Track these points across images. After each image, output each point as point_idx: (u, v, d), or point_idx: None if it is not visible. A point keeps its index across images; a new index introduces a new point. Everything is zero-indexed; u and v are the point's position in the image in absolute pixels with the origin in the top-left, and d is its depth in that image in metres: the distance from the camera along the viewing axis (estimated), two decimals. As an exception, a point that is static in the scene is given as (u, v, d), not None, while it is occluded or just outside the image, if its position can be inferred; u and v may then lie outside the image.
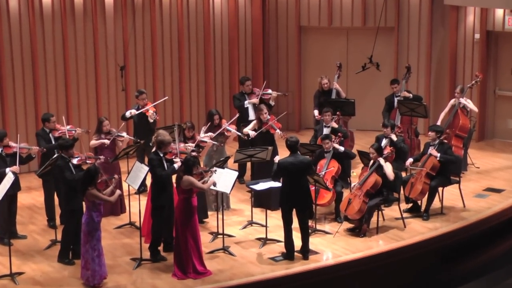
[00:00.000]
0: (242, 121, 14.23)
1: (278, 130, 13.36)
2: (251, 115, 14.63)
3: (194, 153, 11.95)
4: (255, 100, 14.59)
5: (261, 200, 12.90)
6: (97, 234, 10.26)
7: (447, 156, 12.67)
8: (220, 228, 11.79)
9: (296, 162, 11.03)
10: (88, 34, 15.61)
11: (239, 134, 13.49)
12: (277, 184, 11.52)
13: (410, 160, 12.91)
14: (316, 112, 15.18)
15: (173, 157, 11.58)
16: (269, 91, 14.83)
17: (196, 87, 17.18)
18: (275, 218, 12.32)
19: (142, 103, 14.03)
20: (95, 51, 15.71)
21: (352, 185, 12.47)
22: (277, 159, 11.52)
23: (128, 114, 14.02)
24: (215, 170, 11.27)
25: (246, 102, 14.67)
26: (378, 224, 12.20)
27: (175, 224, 10.74)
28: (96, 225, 10.24)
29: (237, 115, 14.29)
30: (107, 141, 12.60)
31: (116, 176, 10.86)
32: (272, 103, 14.61)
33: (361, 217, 12.04)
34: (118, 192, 10.68)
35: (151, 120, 13.88)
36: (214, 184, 11.23)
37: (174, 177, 11.14)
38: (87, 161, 11.54)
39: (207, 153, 12.89)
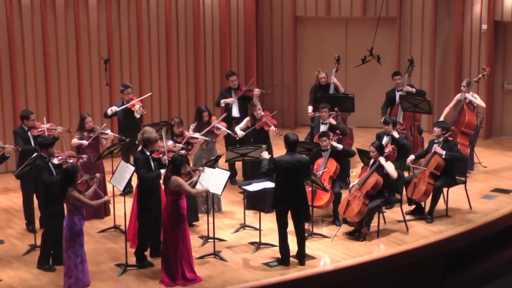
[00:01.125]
0: (227, 118, 14.21)
1: (273, 127, 13.36)
2: (234, 112, 14.66)
3: (183, 151, 11.95)
4: (231, 100, 14.57)
5: (254, 202, 12.90)
6: (80, 239, 10.24)
7: (453, 153, 12.68)
8: (210, 231, 11.79)
9: (293, 161, 11.03)
10: (70, 24, 15.58)
11: (229, 132, 13.48)
12: (271, 184, 11.51)
13: (412, 157, 12.90)
14: (310, 108, 15.17)
15: (161, 155, 11.58)
16: (254, 88, 14.82)
17: (185, 82, 17.17)
18: (269, 221, 12.32)
19: (127, 98, 14.02)
20: (77, 43, 15.68)
21: (351, 185, 12.47)
22: (265, 154, 11.46)
23: (109, 111, 14.00)
24: (203, 169, 11.26)
25: (221, 101, 14.69)
26: (379, 227, 12.21)
27: (163, 228, 10.73)
28: (79, 229, 10.22)
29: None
30: (85, 142, 12.56)
31: (98, 175, 10.83)
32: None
33: (361, 219, 12.05)
34: (105, 198, 10.66)
35: (138, 116, 13.87)
36: (207, 192, 11.24)
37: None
38: (69, 161, 11.51)
39: (196, 152, 12.87)
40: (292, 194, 11.04)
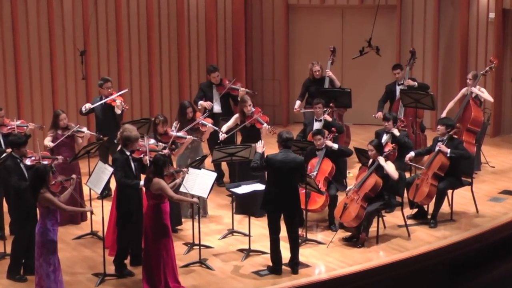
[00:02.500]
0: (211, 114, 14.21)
1: (265, 124, 13.28)
2: (216, 107, 14.59)
3: (166, 151, 11.93)
4: (208, 104, 14.42)
5: (243, 206, 12.90)
6: (53, 246, 10.21)
7: (458, 151, 12.68)
8: (196, 238, 11.79)
9: (287, 161, 11.01)
10: (42, 13, 15.53)
11: (216, 129, 13.45)
12: (262, 186, 11.51)
13: (411, 154, 12.87)
14: (297, 103, 15.15)
15: (142, 155, 11.55)
16: (238, 85, 14.76)
17: (168, 75, 17.15)
18: (260, 226, 12.33)
19: (106, 92, 13.94)
20: (50, 33, 15.63)
21: (348, 187, 12.49)
22: (259, 147, 11.40)
23: (83, 109, 13.94)
24: (187, 171, 11.26)
25: (199, 103, 14.53)
26: (378, 232, 12.23)
27: (145, 234, 10.73)
28: (52, 235, 10.19)
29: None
30: (50, 144, 12.46)
31: (74, 176, 10.78)
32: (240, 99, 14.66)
33: (358, 224, 12.07)
34: (87, 208, 10.58)
35: (119, 112, 13.79)
36: (196, 205, 11.26)
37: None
38: (42, 162, 11.47)
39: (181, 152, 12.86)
40: (285, 196, 11.04)
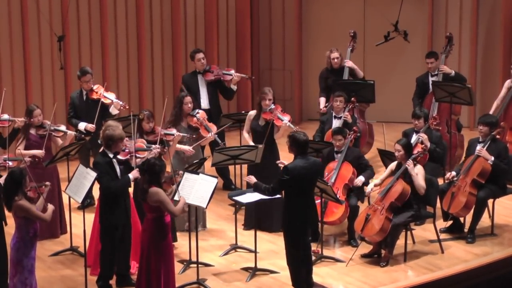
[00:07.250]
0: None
1: (285, 120, 12.90)
2: (203, 102, 14.51)
3: (156, 150, 11.86)
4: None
5: (251, 219, 12.87)
6: (30, 264, 10.22)
7: (499, 163, 12.62)
8: (193, 254, 11.82)
9: (308, 166, 10.94)
10: (14, -8, 15.63)
11: (219, 141, 13.15)
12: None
13: (453, 173, 12.83)
14: (321, 100, 15.10)
15: (128, 156, 11.50)
16: (232, 71, 14.69)
17: (160, 65, 17.18)
18: (268, 241, 12.38)
19: (86, 86, 13.87)
20: (22, 16, 15.68)
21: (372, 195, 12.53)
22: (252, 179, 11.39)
23: (82, 128, 13.62)
24: (182, 174, 11.22)
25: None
26: (406, 248, 12.25)
27: (142, 252, 10.60)
28: (30, 250, 10.17)
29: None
30: (40, 153, 12.39)
31: (47, 183, 10.74)
32: (234, 87, 14.58)
33: (383, 239, 12.10)
34: (51, 207, 10.48)
35: (115, 112, 13.68)
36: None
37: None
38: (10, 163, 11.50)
39: (175, 154, 12.87)
40: (311, 209, 10.99)
